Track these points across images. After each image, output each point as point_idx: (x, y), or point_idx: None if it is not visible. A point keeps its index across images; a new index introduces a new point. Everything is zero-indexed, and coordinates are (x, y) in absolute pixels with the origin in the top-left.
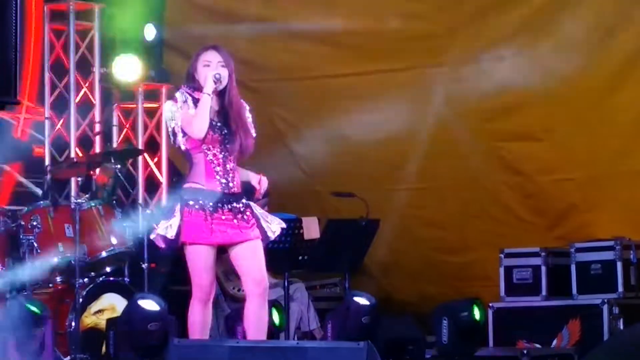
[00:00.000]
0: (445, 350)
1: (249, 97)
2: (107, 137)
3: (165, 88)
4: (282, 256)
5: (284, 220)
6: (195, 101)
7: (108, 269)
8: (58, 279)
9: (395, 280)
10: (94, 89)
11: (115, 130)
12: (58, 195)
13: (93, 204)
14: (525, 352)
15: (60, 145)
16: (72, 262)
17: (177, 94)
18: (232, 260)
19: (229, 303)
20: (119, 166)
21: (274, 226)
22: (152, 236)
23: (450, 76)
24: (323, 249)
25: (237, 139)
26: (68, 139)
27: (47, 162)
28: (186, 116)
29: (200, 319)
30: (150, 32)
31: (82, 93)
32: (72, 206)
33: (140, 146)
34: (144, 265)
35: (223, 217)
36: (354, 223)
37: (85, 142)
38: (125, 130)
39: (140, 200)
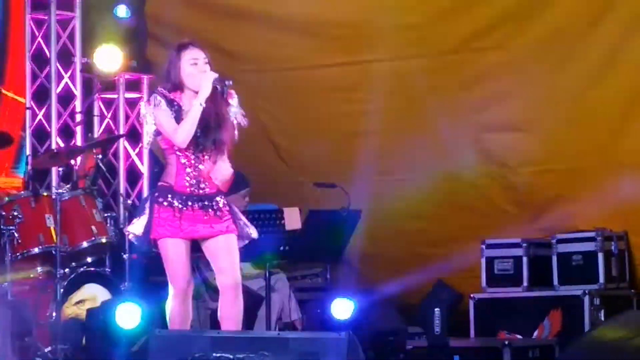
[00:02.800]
0: (438, 340)
1: (233, 88)
2: (88, 127)
3: (146, 78)
4: (263, 247)
5: (265, 211)
6: (169, 102)
7: (89, 259)
8: (39, 269)
9: (376, 271)
10: (75, 79)
11: (96, 120)
12: (39, 185)
13: (74, 194)
14: (506, 342)
15: (41, 136)
16: (53, 252)
17: (152, 97)
18: (205, 255)
19: (212, 294)
20: (100, 156)
21: (252, 230)
22: (125, 231)
23: (433, 67)
24: (304, 239)
25: (209, 137)
26: (49, 129)
27: (28, 152)
28: (166, 121)
29: (178, 315)
30: (122, 11)
31: (63, 83)
32: (53, 196)
33: None
34: (125, 256)
35: (192, 213)
36: (335, 214)
37: (66, 132)
38: (106, 120)
39: (122, 191)
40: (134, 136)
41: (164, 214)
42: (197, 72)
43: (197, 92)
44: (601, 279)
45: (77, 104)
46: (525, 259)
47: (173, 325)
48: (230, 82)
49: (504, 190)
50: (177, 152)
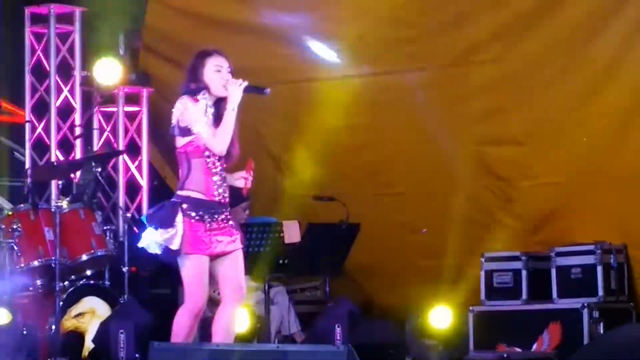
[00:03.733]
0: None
1: None
2: (87, 140)
3: (146, 91)
4: (262, 260)
5: (265, 224)
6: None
7: (88, 272)
8: (38, 282)
9: (375, 284)
10: (74, 92)
11: (95, 133)
12: (39, 198)
13: (74, 207)
14: (505, 355)
15: (40, 149)
16: (53, 265)
17: (200, 96)
18: (215, 267)
19: (210, 306)
20: (99, 169)
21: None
22: (141, 243)
23: (431, 80)
24: (304, 252)
25: (232, 146)
26: (48, 142)
27: (27, 165)
28: (206, 125)
29: (187, 331)
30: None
31: (62, 96)
32: (53, 209)
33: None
34: (125, 269)
35: (218, 227)
36: (334, 227)
37: (65, 145)
38: (105, 133)
39: (121, 204)
40: (133, 149)
41: (196, 229)
42: (220, 78)
43: (219, 97)
44: (600, 292)
45: (77, 117)
46: (524, 272)
47: (177, 339)
48: (269, 91)
49: (503, 203)
50: (206, 157)
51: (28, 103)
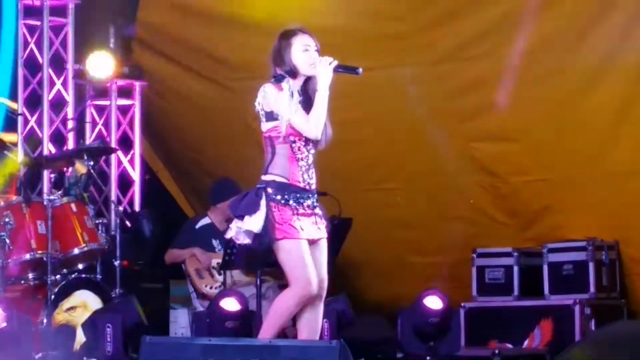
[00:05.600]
0: None
1: (225, 96)
2: (80, 133)
3: (139, 85)
4: (254, 255)
5: None
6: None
7: (80, 266)
8: (30, 275)
9: (367, 279)
10: (67, 85)
11: (88, 127)
12: (30, 191)
13: (66, 201)
14: (497, 352)
15: (33, 142)
16: (45, 258)
17: (283, 84)
18: None
19: (201, 301)
20: (92, 163)
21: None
22: (228, 234)
23: (422, 76)
24: None
25: (323, 131)
26: (41, 135)
27: (20, 158)
28: (297, 112)
29: (289, 312)
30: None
31: (55, 89)
32: (45, 203)
33: (114, 143)
34: (116, 263)
35: (305, 212)
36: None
37: (58, 138)
38: (98, 127)
39: (113, 198)
40: (125, 143)
41: (284, 214)
42: (309, 58)
43: (305, 80)
44: (592, 289)
45: (69, 111)
46: (516, 268)
47: (274, 320)
48: (361, 70)
49: (494, 200)
50: (292, 142)
51: (21, 96)
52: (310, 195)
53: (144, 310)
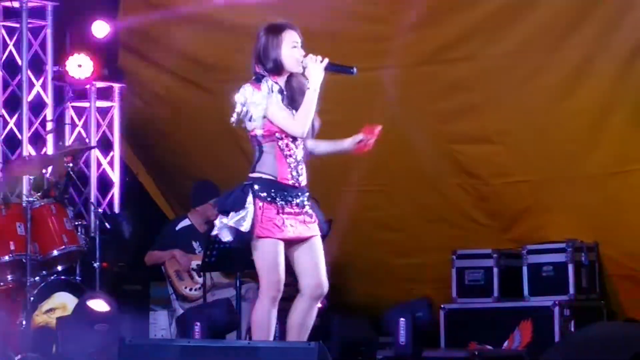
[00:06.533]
0: (402, 351)
1: (204, 97)
2: (59, 135)
3: (118, 87)
4: (234, 256)
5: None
6: (279, 89)
7: (59, 268)
8: (9, 277)
9: (347, 281)
10: (46, 87)
11: (67, 128)
12: (10, 193)
13: (45, 202)
14: (476, 353)
15: (12, 144)
16: (24, 260)
17: (262, 84)
18: (291, 255)
19: (181, 303)
20: (71, 165)
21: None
22: (214, 231)
23: (404, 78)
24: None
25: (310, 126)
26: (20, 137)
27: None
28: (278, 108)
29: (267, 318)
30: (99, 30)
31: (34, 91)
32: (24, 204)
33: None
34: (96, 264)
35: (292, 211)
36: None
37: (37, 140)
38: (77, 128)
39: (93, 199)
40: (105, 145)
41: (268, 212)
42: (297, 55)
43: (289, 76)
44: (571, 290)
45: (49, 112)
46: (495, 270)
47: (261, 333)
48: (356, 70)
49: (475, 201)
50: (278, 140)
51: (0, 98)
52: (299, 193)
53: (126, 312)
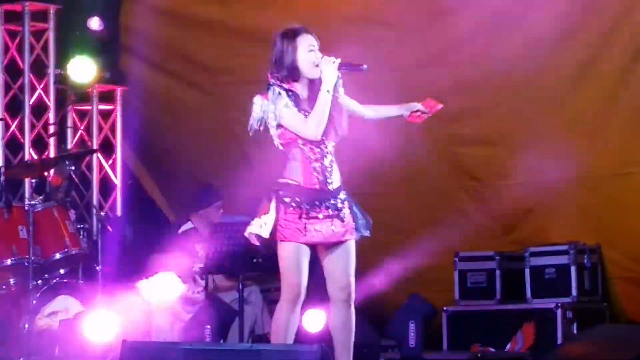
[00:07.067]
0: (411, 354)
1: (207, 100)
2: (61, 138)
3: (120, 90)
4: (236, 259)
5: (239, 222)
6: (287, 93)
7: (62, 271)
8: (12, 280)
9: None
10: (48, 90)
11: (69, 132)
12: (12, 196)
13: (47, 206)
14: (479, 355)
15: (14, 147)
16: (26, 263)
17: (269, 91)
18: (321, 261)
19: (184, 306)
20: (73, 168)
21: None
22: (246, 233)
23: (405, 81)
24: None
25: (330, 125)
26: (22, 140)
27: (0, 163)
28: (292, 113)
29: (286, 321)
30: (95, 24)
31: (36, 94)
32: (26, 208)
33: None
34: (98, 267)
35: (320, 216)
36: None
37: (39, 143)
38: (79, 132)
39: (95, 202)
40: (107, 148)
41: (290, 216)
42: (314, 58)
43: (311, 80)
44: (574, 292)
45: (51, 116)
46: (498, 272)
47: (277, 337)
48: (366, 67)
49: (477, 204)
50: (301, 146)
51: (1, 101)
52: (329, 197)
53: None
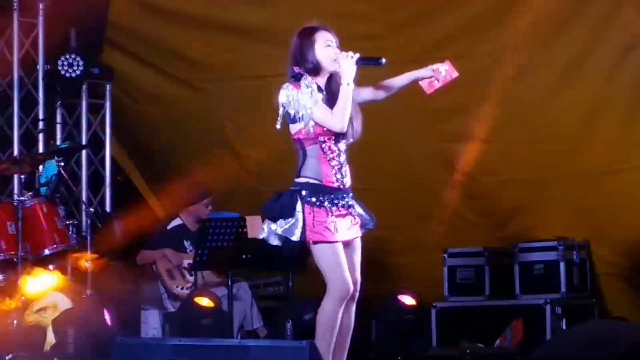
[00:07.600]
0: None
1: (197, 97)
2: (50, 134)
3: (109, 86)
4: (225, 255)
5: (228, 219)
6: (318, 88)
7: (51, 267)
8: (0, 276)
9: None
10: (37, 86)
11: (58, 127)
12: (1, 192)
13: (36, 201)
14: (468, 351)
15: (3, 142)
16: (15, 259)
17: (302, 82)
18: None
19: (172, 302)
20: (62, 164)
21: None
22: (262, 235)
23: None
24: (266, 248)
25: (349, 125)
26: (11, 136)
27: None
28: (320, 106)
29: (333, 319)
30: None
31: (25, 90)
32: (15, 203)
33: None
34: (87, 264)
35: (340, 213)
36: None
37: (28, 139)
38: (68, 127)
39: (84, 198)
40: (96, 143)
41: (319, 216)
42: (332, 54)
43: (331, 75)
44: (563, 288)
45: (40, 111)
46: (487, 268)
47: (326, 333)
48: (384, 60)
49: (467, 200)
50: (321, 142)
51: None
52: (345, 195)
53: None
